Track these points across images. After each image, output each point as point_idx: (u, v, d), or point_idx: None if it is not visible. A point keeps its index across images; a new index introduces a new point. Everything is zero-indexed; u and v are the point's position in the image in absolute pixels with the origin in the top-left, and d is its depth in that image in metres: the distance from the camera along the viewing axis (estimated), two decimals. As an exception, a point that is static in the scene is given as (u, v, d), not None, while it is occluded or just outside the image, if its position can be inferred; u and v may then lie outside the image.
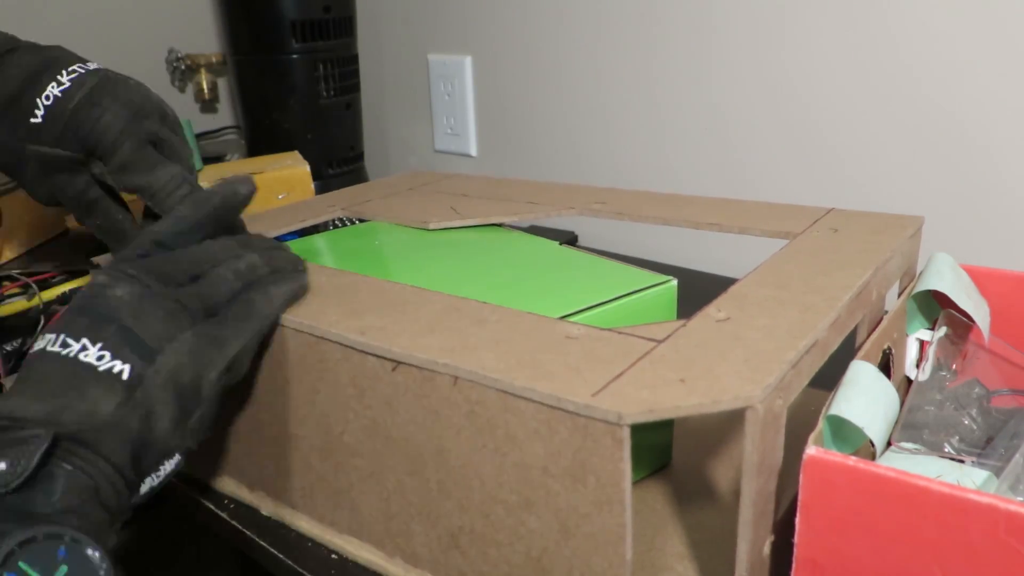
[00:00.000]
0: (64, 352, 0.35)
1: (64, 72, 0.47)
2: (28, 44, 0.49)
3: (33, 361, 0.36)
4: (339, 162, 1.02)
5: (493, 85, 1.03)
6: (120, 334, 0.36)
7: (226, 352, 0.38)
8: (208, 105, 1.18)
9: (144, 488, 0.36)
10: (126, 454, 0.34)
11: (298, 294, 0.42)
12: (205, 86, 1.15)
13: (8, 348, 0.67)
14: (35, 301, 0.70)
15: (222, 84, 1.20)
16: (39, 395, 0.34)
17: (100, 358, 0.35)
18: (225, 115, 1.21)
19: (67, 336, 0.35)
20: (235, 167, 0.86)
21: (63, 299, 0.70)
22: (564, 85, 0.95)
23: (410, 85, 1.14)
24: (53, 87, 0.46)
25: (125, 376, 0.35)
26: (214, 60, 1.12)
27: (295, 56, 0.95)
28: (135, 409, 0.35)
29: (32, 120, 0.46)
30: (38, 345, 0.36)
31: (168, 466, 0.37)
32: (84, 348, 0.35)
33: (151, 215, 0.50)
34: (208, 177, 0.82)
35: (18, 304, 0.70)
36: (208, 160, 0.97)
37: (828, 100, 0.75)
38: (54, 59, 0.48)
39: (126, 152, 0.46)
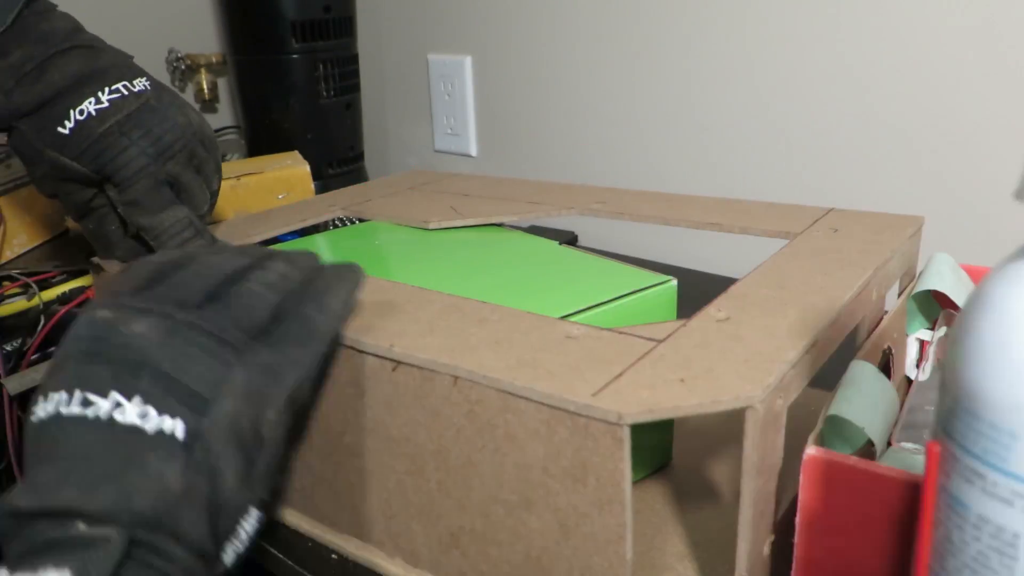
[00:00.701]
0: (92, 415, 0.28)
1: (107, 89, 0.45)
2: (86, 44, 0.46)
3: (50, 430, 0.29)
4: (339, 162, 1.02)
5: (493, 85, 1.03)
6: (158, 383, 0.29)
7: (285, 384, 0.32)
8: (208, 105, 1.18)
9: (228, 556, 0.30)
10: (204, 525, 0.29)
11: (353, 300, 0.36)
12: (205, 86, 1.15)
13: (8, 348, 0.67)
14: (35, 301, 0.70)
15: (222, 84, 1.20)
16: (90, 479, 0.27)
17: (143, 416, 0.28)
18: (225, 115, 1.21)
19: (87, 392, 0.28)
20: (235, 167, 0.86)
21: (63, 299, 0.70)
22: (564, 85, 0.95)
23: (410, 85, 1.14)
24: (91, 103, 0.45)
25: (180, 435, 0.29)
26: (214, 60, 1.12)
27: (295, 56, 0.95)
28: (199, 472, 0.29)
29: (59, 130, 0.44)
30: (44, 407, 0.29)
31: (247, 525, 0.31)
32: (118, 405, 0.28)
33: (136, 236, 0.49)
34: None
35: (18, 304, 0.70)
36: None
37: (829, 100, 0.75)
38: (103, 71, 0.46)
39: (139, 191, 0.45)
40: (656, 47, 0.85)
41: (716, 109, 0.82)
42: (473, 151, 1.08)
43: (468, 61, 1.04)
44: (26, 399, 0.66)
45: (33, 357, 0.67)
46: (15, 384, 0.64)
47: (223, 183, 0.79)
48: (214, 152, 0.50)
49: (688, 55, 0.83)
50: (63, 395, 0.29)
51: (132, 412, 0.28)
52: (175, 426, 0.29)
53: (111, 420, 0.28)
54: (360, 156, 1.06)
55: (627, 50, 0.88)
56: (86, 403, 0.28)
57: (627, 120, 0.90)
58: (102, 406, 0.28)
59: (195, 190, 0.48)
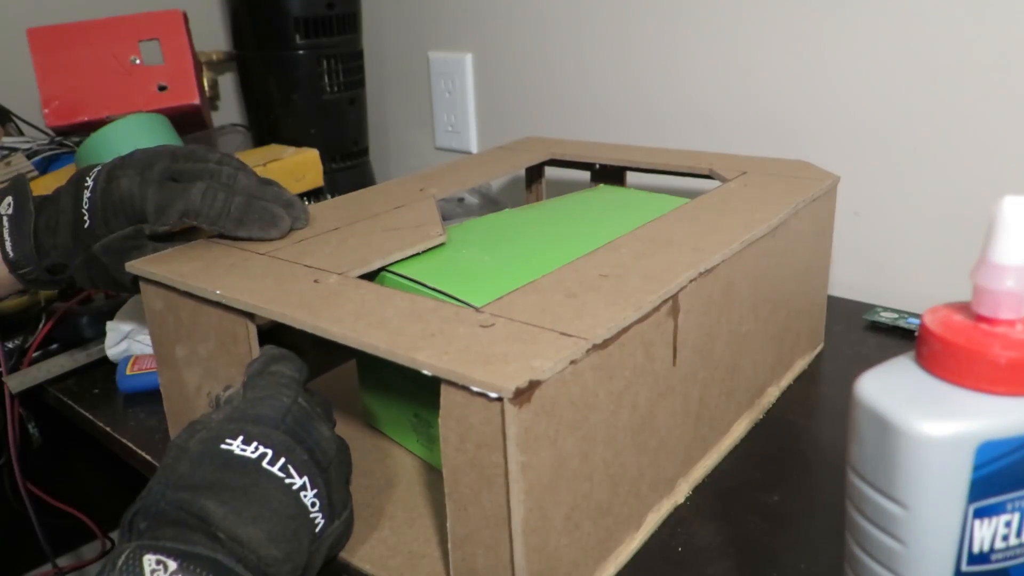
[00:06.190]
0: (287, 481, 0.36)
1: (89, 177, 0.51)
2: (65, 186, 0.52)
3: (246, 466, 0.35)
4: (343, 156, 1.02)
5: (493, 82, 1.03)
6: (327, 488, 0.38)
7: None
8: (209, 103, 1.18)
9: None
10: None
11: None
12: (206, 84, 1.15)
13: (9, 345, 0.67)
14: (36, 299, 0.70)
15: (223, 81, 1.20)
16: (270, 531, 0.34)
17: (313, 505, 0.37)
18: (226, 112, 1.21)
19: (290, 464, 0.36)
20: (251, 156, 0.87)
21: (64, 296, 0.70)
22: (564, 82, 0.95)
23: (410, 83, 1.14)
24: (86, 193, 0.50)
25: (317, 531, 0.37)
26: (215, 58, 1.12)
27: (300, 52, 0.95)
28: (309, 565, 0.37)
29: (86, 227, 0.50)
30: (244, 446, 0.36)
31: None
32: (304, 488, 0.36)
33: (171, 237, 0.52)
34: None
35: (19, 301, 0.70)
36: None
37: (832, 105, 0.74)
38: (81, 172, 0.51)
39: (152, 197, 0.48)
40: (658, 43, 0.85)
41: (717, 108, 0.82)
42: (474, 148, 1.08)
43: (468, 59, 1.04)
44: (27, 396, 0.66)
45: (35, 355, 0.67)
46: (16, 382, 0.64)
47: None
48: (193, 157, 0.52)
49: (691, 52, 0.83)
50: (269, 450, 0.36)
51: (310, 498, 0.36)
52: (320, 524, 0.37)
53: (298, 496, 0.36)
54: (365, 151, 1.06)
55: (629, 47, 0.87)
56: (286, 471, 0.36)
57: (628, 118, 0.90)
58: (296, 481, 0.36)
59: (195, 172, 0.50)
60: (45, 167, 0.86)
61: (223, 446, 0.36)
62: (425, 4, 1.08)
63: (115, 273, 0.50)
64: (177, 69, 0.93)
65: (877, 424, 0.26)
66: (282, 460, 0.36)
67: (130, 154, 0.52)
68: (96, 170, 0.51)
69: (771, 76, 0.78)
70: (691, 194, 0.59)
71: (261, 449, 0.36)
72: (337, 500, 0.39)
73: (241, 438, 0.36)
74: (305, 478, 0.36)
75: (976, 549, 0.26)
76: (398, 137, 1.20)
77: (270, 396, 0.38)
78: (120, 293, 0.60)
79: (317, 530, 0.37)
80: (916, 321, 0.65)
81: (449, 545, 0.37)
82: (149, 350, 0.66)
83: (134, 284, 0.49)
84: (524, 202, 0.78)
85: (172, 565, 0.30)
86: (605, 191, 0.64)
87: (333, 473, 0.39)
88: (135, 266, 0.47)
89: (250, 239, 0.49)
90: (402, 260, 0.47)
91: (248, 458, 0.35)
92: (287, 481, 0.36)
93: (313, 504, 0.36)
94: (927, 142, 0.70)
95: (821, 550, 0.42)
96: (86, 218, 0.50)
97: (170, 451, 0.37)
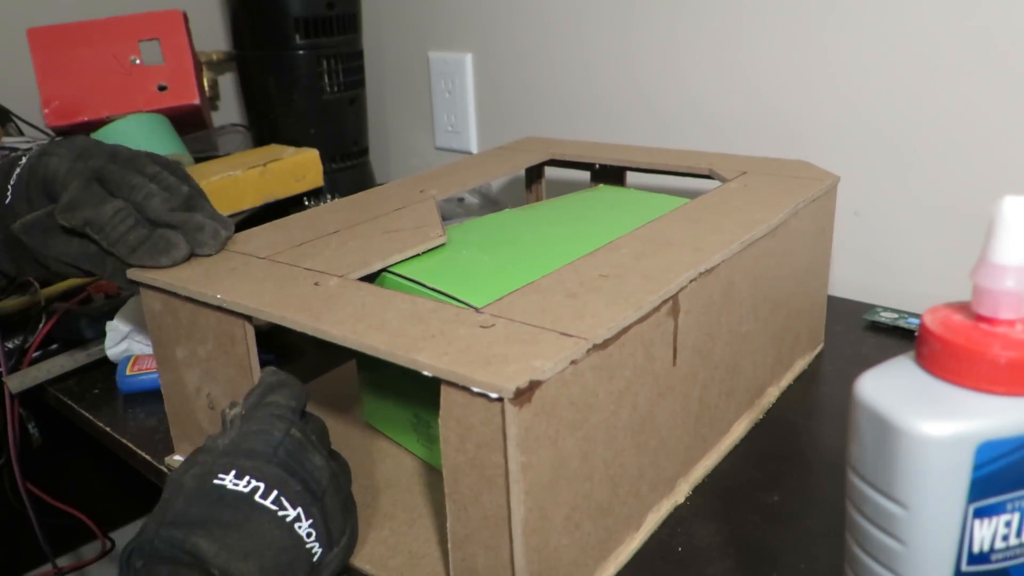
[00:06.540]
0: (281, 514, 0.36)
1: (25, 156, 0.49)
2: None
3: (239, 501, 0.35)
4: (343, 156, 1.02)
5: (493, 82, 1.03)
6: (323, 517, 0.37)
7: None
8: (209, 103, 1.18)
9: None
10: None
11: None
12: (206, 84, 1.14)
13: (9, 346, 0.67)
14: (36, 298, 0.70)
15: (223, 81, 1.19)
16: (263, 565, 0.34)
17: (309, 535, 0.36)
18: (226, 112, 1.21)
19: (283, 496, 0.36)
20: (250, 157, 0.87)
21: (64, 296, 0.70)
22: (565, 82, 0.95)
23: (410, 83, 1.14)
24: (16, 170, 0.49)
25: (315, 560, 0.37)
26: (215, 58, 1.12)
27: (300, 52, 0.95)
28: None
29: (7, 202, 0.49)
30: (236, 481, 0.36)
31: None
32: (299, 519, 0.36)
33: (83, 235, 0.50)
34: (214, 171, 0.82)
35: (19, 301, 0.70)
36: (210, 158, 0.96)
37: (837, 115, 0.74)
38: (20, 152, 0.50)
39: (73, 190, 0.47)
40: (659, 42, 0.85)
41: (716, 107, 0.82)
42: (474, 149, 1.08)
43: (468, 58, 1.04)
44: (27, 396, 0.66)
45: (35, 355, 0.67)
46: (16, 382, 0.64)
47: (251, 171, 0.81)
48: (130, 166, 0.50)
49: (690, 52, 0.83)
50: (260, 484, 0.36)
51: (304, 528, 0.36)
52: (317, 553, 0.37)
53: (292, 527, 0.36)
54: (365, 151, 1.05)
55: (629, 47, 0.87)
56: (279, 504, 0.36)
57: (628, 118, 0.90)
58: (289, 513, 0.36)
59: (124, 182, 0.48)
60: (45, 167, 0.85)
61: (216, 481, 0.36)
62: (425, 4, 1.08)
63: (37, 255, 0.49)
64: (177, 69, 0.93)
65: (877, 424, 0.26)
66: (275, 493, 0.36)
67: (72, 137, 0.50)
68: (34, 150, 0.50)
69: (771, 76, 0.78)
70: (691, 194, 0.59)
71: (253, 483, 0.36)
72: (334, 527, 0.39)
73: (234, 472, 0.36)
74: (299, 509, 0.36)
75: (976, 549, 0.26)
76: (398, 137, 1.20)
77: (262, 430, 0.38)
78: (51, 279, 0.58)
79: (315, 559, 0.37)
80: (916, 321, 0.65)
81: (449, 545, 0.37)
82: (149, 350, 0.66)
83: (72, 268, 0.48)
84: (524, 202, 0.78)
85: None
86: (605, 191, 0.64)
87: (328, 501, 0.39)
88: (135, 274, 0.47)
89: (141, 266, 0.47)
90: (402, 261, 0.48)
91: (241, 492, 0.36)
92: (280, 514, 0.36)
93: (309, 535, 0.36)
94: (927, 142, 0.70)
95: (821, 550, 0.42)
96: (9, 193, 0.49)
97: (168, 485, 0.37)
